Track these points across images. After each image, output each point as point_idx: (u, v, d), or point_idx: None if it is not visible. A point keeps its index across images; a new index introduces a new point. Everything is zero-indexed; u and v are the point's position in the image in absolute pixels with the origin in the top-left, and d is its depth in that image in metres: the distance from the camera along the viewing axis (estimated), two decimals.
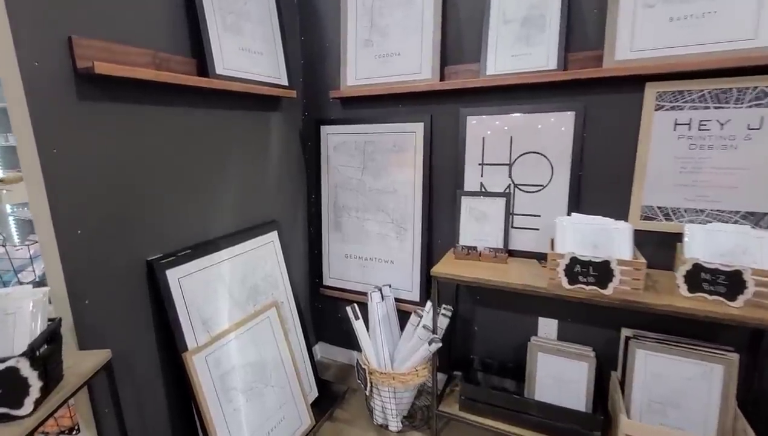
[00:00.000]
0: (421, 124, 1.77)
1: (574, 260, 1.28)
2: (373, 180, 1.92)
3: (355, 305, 1.77)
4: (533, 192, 1.60)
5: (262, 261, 1.74)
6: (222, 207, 1.61)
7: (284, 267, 1.86)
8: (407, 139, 1.81)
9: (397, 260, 1.92)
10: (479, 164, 1.68)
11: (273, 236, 1.83)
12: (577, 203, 1.54)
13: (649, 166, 1.42)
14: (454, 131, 1.73)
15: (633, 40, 1.35)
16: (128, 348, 1.27)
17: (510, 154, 1.62)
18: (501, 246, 1.62)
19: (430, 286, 1.88)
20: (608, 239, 1.33)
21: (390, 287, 1.88)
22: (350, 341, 2.18)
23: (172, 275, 1.35)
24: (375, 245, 1.97)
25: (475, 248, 1.63)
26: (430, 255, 1.86)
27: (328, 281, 2.14)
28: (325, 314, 2.24)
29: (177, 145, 1.40)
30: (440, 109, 1.75)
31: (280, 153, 1.92)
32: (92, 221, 1.15)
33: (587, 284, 1.28)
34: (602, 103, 1.46)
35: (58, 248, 1.08)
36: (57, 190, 1.07)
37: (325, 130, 2.01)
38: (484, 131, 1.65)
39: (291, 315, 1.87)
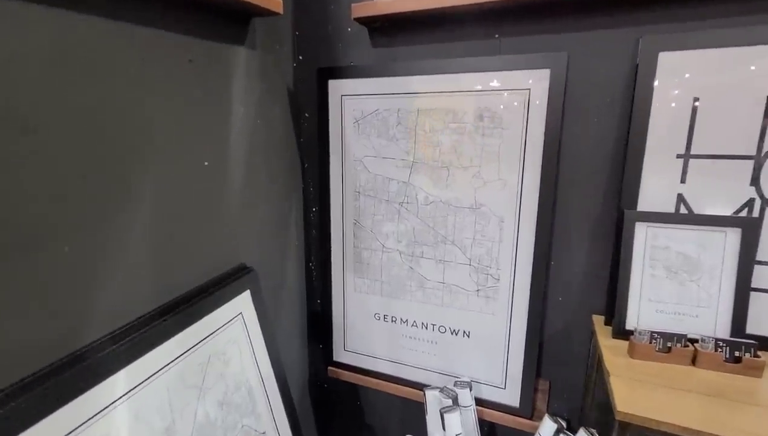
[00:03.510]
0: (545, 72, 0.87)
1: None
2: (432, 184, 1.01)
3: None
4: None
5: (218, 365, 0.82)
6: (114, 261, 0.67)
7: (264, 353, 0.95)
8: (510, 104, 0.91)
9: (477, 330, 1.04)
10: (678, 157, 0.80)
11: (241, 302, 0.90)
12: None
13: None
14: (620, 87, 0.83)
15: None
16: None
17: (762, 135, 0.75)
18: (728, 334, 0.77)
19: (538, 379, 1.03)
20: None
21: (471, 387, 1.00)
22: None
23: None
24: (433, 301, 1.08)
25: (681, 339, 0.77)
26: (542, 326, 0.99)
27: (341, 354, 1.25)
28: (334, 399, 1.35)
29: None
30: (590, 39, 0.84)
31: (252, 132, 0.97)
32: None
33: None
34: None
35: None
36: None
37: (338, 87, 1.07)
38: (698, 88, 0.77)
39: None
